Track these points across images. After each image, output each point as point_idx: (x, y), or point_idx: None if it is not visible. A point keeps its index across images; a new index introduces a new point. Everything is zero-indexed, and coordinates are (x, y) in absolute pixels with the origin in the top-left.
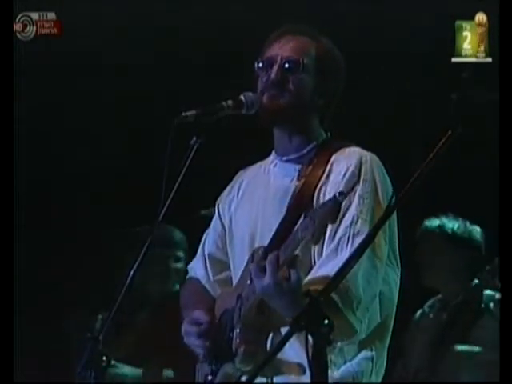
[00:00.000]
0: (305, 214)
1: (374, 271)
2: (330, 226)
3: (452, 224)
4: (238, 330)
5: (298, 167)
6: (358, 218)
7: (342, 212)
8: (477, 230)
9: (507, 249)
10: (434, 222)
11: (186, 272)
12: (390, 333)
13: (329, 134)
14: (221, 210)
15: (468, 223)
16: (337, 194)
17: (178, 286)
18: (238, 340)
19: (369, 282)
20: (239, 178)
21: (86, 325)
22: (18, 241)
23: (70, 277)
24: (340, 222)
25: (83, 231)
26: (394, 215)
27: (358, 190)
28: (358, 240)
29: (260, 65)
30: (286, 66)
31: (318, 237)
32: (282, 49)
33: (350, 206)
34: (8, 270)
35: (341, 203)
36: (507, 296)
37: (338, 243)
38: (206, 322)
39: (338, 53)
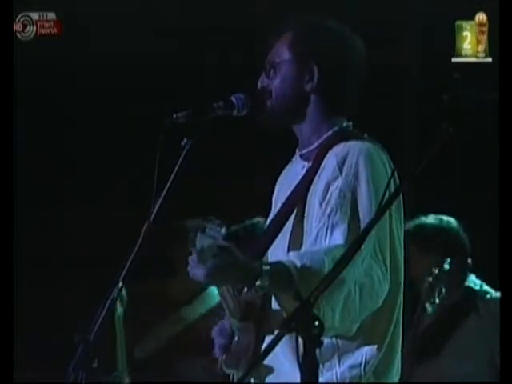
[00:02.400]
0: None
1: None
2: (308, 222)
3: (417, 225)
4: (236, 338)
5: (303, 164)
6: (336, 211)
7: (324, 206)
8: (438, 227)
9: (507, 248)
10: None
11: None
12: (387, 338)
13: (350, 123)
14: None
15: (436, 220)
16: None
17: None
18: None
19: (333, 258)
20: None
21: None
22: (19, 240)
23: (71, 276)
24: (322, 214)
25: (83, 230)
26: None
27: (340, 183)
28: (336, 232)
29: None
30: (265, 73)
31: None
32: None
33: (330, 198)
34: (8, 270)
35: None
36: (507, 296)
37: (317, 235)
38: (226, 336)
39: (324, 26)
